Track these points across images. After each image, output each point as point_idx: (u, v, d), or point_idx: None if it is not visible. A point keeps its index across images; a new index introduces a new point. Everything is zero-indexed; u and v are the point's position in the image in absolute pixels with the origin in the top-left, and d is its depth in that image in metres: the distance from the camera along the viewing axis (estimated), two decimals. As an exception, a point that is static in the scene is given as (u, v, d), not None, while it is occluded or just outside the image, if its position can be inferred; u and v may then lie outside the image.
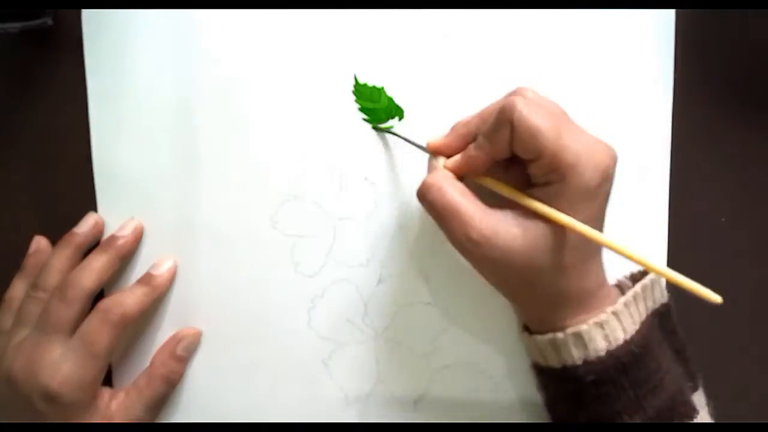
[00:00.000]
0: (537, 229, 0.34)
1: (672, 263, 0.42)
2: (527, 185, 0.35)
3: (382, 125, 0.41)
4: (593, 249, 0.36)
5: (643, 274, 0.38)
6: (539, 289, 0.35)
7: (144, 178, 0.43)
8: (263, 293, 0.43)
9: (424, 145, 0.39)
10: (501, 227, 0.34)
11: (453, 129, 0.38)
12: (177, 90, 0.42)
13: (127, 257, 0.43)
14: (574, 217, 0.33)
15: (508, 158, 0.35)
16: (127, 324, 0.40)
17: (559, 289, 0.35)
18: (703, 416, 0.36)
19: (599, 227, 0.35)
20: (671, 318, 0.38)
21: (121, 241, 0.42)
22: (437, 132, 0.38)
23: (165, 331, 0.44)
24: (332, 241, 0.43)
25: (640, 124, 0.42)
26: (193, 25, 0.42)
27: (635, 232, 0.42)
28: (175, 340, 0.43)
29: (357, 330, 0.43)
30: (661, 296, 0.38)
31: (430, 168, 0.38)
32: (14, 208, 0.44)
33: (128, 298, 0.40)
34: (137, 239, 0.43)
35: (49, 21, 0.41)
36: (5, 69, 0.43)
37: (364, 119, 0.41)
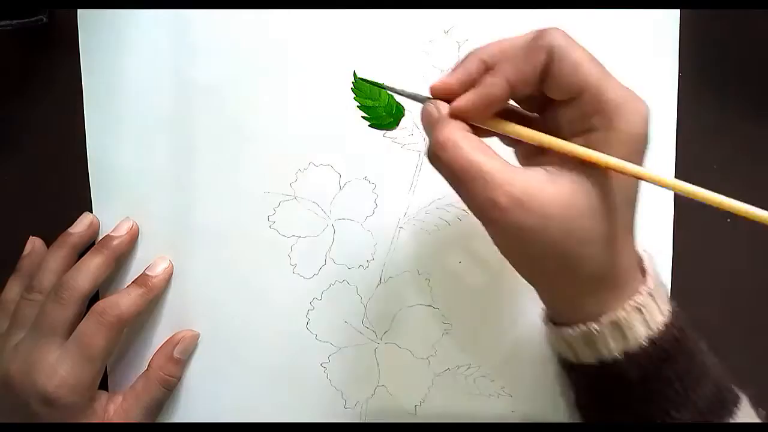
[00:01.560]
0: (576, 188, 0.28)
1: (676, 262, 0.42)
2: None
3: (381, 125, 0.41)
4: (632, 216, 0.31)
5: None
6: (578, 266, 0.29)
7: (140, 178, 0.42)
8: (261, 295, 0.43)
9: (421, 94, 0.32)
10: (534, 187, 0.28)
11: (462, 63, 0.31)
12: (173, 89, 0.42)
13: (122, 258, 0.42)
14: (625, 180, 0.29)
15: (527, 116, 0.31)
16: (123, 325, 0.40)
17: (601, 264, 0.29)
18: (745, 403, 0.32)
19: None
20: None
21: (116, 242, 0.41)
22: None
23: (161, 333, 0.43)
24: (331, 242, 0.42)
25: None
26: (189, 25, 0.42)
27: (640, 231, 0.41)
28: (173, 342, 0.43)
29: (356, 333, 0.43)
30: None
31: (430, 120, 0.31)
32: (9, 208, 0.44)
33: (124, 299, 0.40)
34: (133, 239, 0.42)
35: (44, 18, 0.40)
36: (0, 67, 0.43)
37: (363, 117, 0.41)
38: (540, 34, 0.29)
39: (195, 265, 0.43)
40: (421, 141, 0.41)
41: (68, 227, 0.42)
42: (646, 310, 0.30)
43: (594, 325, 0.30)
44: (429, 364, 0.43)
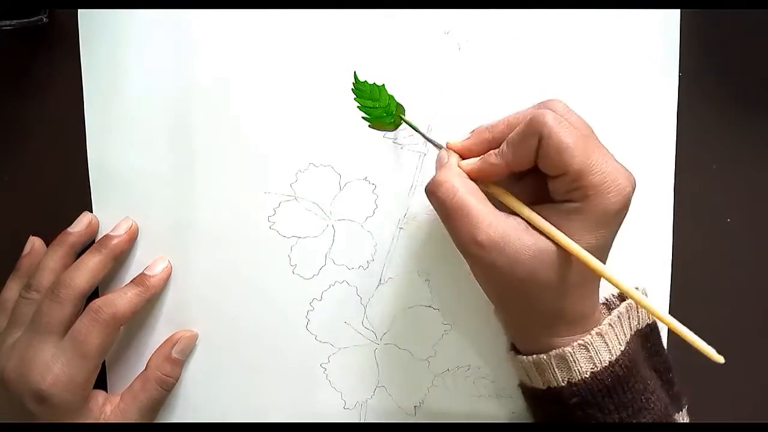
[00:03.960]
0: (548, 242, 0.33)
1: (676, 264, 0.42)
2: (542, 198, 0.35)
3: (383, 125, 0.41)
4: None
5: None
6: (537, 305, 0.35)
7: (139, 178, 0.42)
8: (260, 295, 0.43)
9: (441, 143, 0.38)
10: (511, 234, 0.33)
11: (475, 132, 0.37)
12: (173, 89, 0.42)
13: (121, 257, 0.42)
14: (588, 240, 0.33)
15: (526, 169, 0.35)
16: (119, 324, 0.40)
17: (557, 308, 0.35)
18: None
19: (606, 253, 0.35)
20: (656, 338, 0.38)
21: (115, 241, 0.41)
22: (456, 134, 0.38)
23: (160, 333, 0.43)
24: (331, 243, 0.42)
25: (645, 125, 0.42)
26: (189, 24, 0.42)
27: (640, 232, 0.41)
28: (171, 342, 0.42)
29: (356, 333, 0.43)
30: (647, 316, 0.38)
31: (440, 164, 0.37)
32: (8, 208, 0.44)
33: (120, 298, 0.40)
34: (132, 239, 0.42)
35: (44, 18, 0.41)
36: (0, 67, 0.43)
37: (364, 118, 0.41)
38: (533, 119, 0.33)
39: (195, 266, 0.43)
40: (421, 142, 0.41)
41: (68, 227, 0.42)
42: (593, 348, 0.34)
43: (543, 357, 0.35)
44: (428, 365, 0.43)
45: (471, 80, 0.41)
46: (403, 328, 0.43)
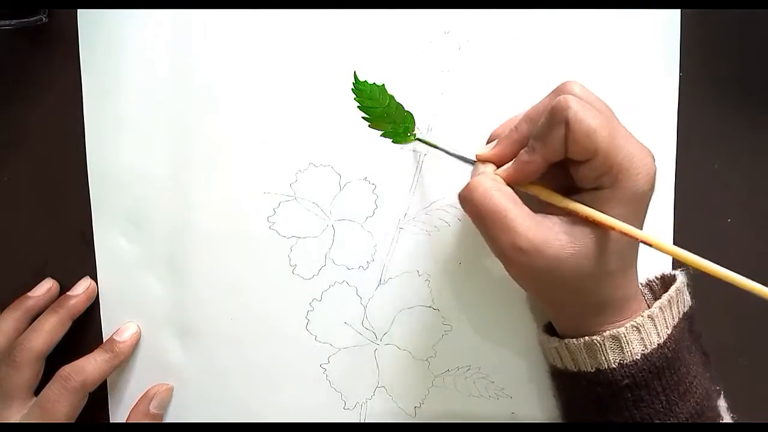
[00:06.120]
0: (585, 236, 0.33)
1: (677, 262, 0.42)
2: (569, 191, 0.34)
3: (383, 125, 0.41)
4: (634, 255, 0.35)
5: (674, 277, 0.38)
6: (584, 297, 0.34)
7: (139, 178, 0.42)
8: (260, 295, 0.43)
9: (469, 156, 0.37)
10: (551, 236, 0.33)
11: (503, 138, 0.36)
12: (172, 89, 0.42)
13: (77, 317, 0.42)
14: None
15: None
16: (88, 391, 0.40)
17: (604, 295, 0.34)
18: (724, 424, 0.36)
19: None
20: (697, 322, 0.38)
21: (73, 301, 0.42)
22: (482, 143, 0.38)
23: (163, 340, 0.43)
24: (331, 243, 0.42)
25: (645, 125, 0.41)
26: (189, 25, 0.42)
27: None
28: (148, 398, 0.43)
29: (356, 333, 0.43)
30: (689, 299, 0.38)
31: (474, 172, 0.37)
32: (8, 207, 0.44)
33: (89, 365, 0.40)
34: (89, 299, 0.43)
35: (44, 18, 0.41)
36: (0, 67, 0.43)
37: (364, 118, 0.41)
38: (555, 106, 0.32)
39: (194, 266, 0.43)
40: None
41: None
42: (644, 330, 0.34)
43: (596, 338, 0.35)
44: (429, 366, 0.43)
45: (471, 80, 0.41)
46: (403, 328, 0.43)
